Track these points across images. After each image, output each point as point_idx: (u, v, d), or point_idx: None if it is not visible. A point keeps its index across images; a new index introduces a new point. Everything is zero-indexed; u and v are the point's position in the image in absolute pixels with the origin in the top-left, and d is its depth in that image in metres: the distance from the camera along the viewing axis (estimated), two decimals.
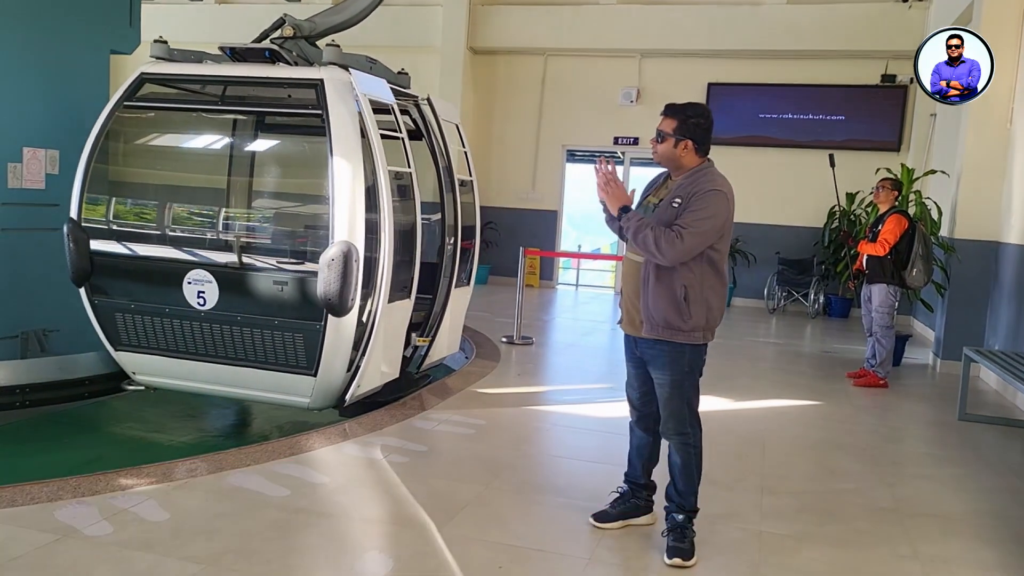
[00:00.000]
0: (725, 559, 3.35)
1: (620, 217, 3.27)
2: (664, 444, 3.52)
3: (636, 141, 12.70)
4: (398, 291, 5.15)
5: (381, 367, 5.19)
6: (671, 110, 3.31)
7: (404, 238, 5.16)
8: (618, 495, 3.63)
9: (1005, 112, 7.56)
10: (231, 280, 5.05)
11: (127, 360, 5.41)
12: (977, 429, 5.74)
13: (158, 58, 5.27)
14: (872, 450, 5.10)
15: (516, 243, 10.13)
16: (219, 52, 5.32)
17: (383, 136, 4.93)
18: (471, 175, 6.48)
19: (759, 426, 5.50)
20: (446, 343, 6.31)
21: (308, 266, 4.89)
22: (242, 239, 5.21)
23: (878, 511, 4.03)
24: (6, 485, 3.61)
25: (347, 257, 4.65)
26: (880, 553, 3.51)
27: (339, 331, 4.82)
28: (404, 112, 5.95)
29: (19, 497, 3.50)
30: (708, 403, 5.92)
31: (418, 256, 5.26)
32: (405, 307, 5.30)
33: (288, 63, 5.16)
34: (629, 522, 3.57)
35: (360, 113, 4.81)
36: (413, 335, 5.79)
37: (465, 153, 6.44)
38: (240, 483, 3.85)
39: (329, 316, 4.75)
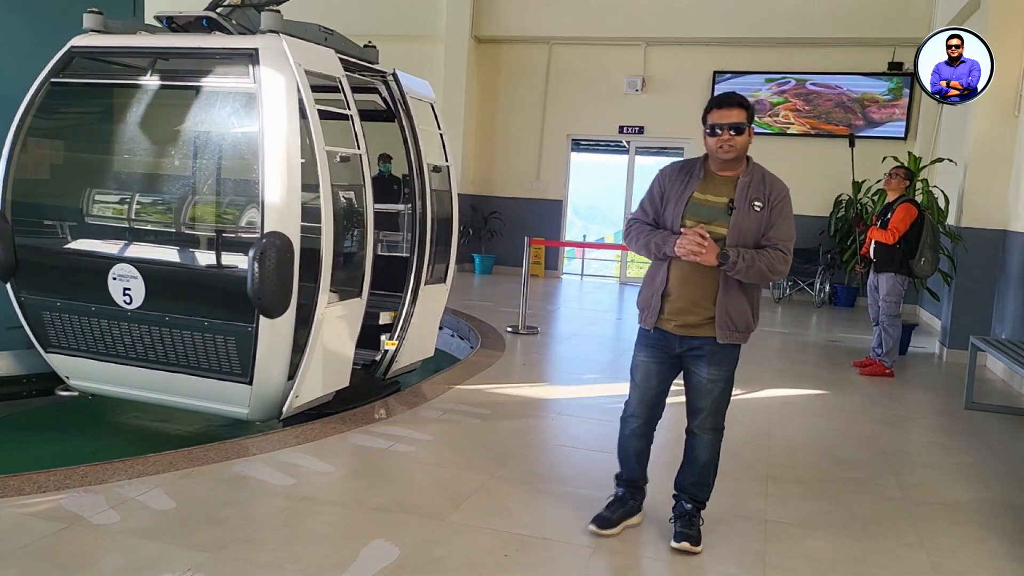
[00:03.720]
0: (731, 547, 3.35)
1: (722, 267, 3.08)
2: (663, 438, 3.47)
3: (641, 130, 12.65)
4: (345, 289, 4.69)
5: (323, 375, 4.72)
6: (736, 100, 3.16)
7: (352, 229, 4.73)
8: (616, 499, 3.51)
9: (1013, 100, 7.51)
10: (157, 276, 4.63)
11: (59, 363, 5.04)
12: (984, 418, 5.73)
13: (93, 31, 4.83)
14: (878, 439, 5.09)
15: (521, 233, 10.11)
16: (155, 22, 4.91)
17: (332, 115, 4.54)
18: (447, 160, 5.93)
19: (765, 415, 5.49)
20: (417, 347, 5.79)
21: (237, 261, 4.40)
22: (167, 230, 4.79)
23: (884, 500, 4.02)
24: (13, 474, 3.63)
25: (279, 251, 4.18)
26: (886, 542, 3.51)
27: (273, 334, 4.35)
28: (372, 90, 5.58)
29: (26, 486, 3.51)
30: None
31: (370, 249, 4.80)
32: (354, 307, 4.81)
33: (230, 32, 4.67)
34: (626, 523, 3.48)
35: (298, 88, 4.31)
36: (383, 337, 5.45)
37: (441, 135, 5.90)
38: (246, 472, 3.87)
39: (261, 317, 4.31)
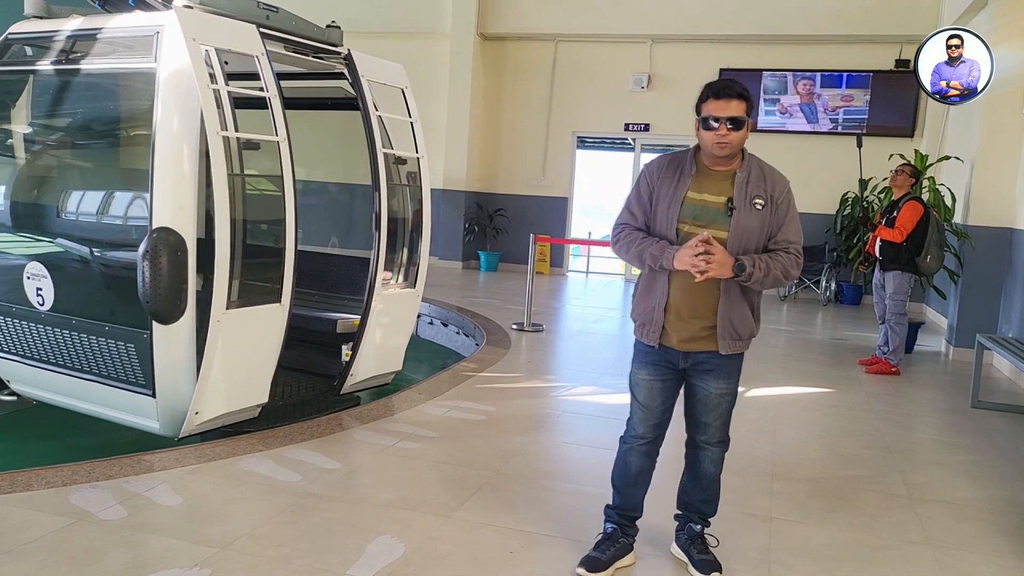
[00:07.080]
0: (736, 544, 3.34)
1: (737, 278, 2.78)
2: (665, 455, 3.22)
3: (647, 127, 12.65)
4: (259, 292, 4.27)
5: (227, 390, 4.22)
6: (737, 90, 2.79)
7: (267, 226, 4.39)
8: (605, 536, 3.14)
9: (1020, 98, 7.49)
10: (63, 276, 4.38)
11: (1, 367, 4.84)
12: (990, 416, 5.72)
13: (34, 16, 4.62)
14: (884, 437, 5.08)
15: (526, 230, 10.13)
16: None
17: (247, 100, 4.22)
18: (418, 151, 5.43)
19: (770, 413, 5.49)
20: (376, 359, 5.21)
21: (129, 260, 3.99)
22: (73, 225, 4.52)
23: (890, 498, 4.02)
24: (21, 469, 3.65)
25: (171, 249, 3.80)
26: (891, 539, 3.51)
27: (170, 342, 3.97)
28: (338, 75, 5.25)
29: (34, 481, 3.53)
30: None
31: (291, 247, 4.30)
32: (270, 313, 4.30)
33: (153, 10, 4.30)
34: (617, 565, 3.08)
35: (211, 67, 3.96)
36: (344, 347, 5.09)
37: (412, 124, 5.39)
38: (252, 468, 3.88)
39: (156, 323, 3.94)
